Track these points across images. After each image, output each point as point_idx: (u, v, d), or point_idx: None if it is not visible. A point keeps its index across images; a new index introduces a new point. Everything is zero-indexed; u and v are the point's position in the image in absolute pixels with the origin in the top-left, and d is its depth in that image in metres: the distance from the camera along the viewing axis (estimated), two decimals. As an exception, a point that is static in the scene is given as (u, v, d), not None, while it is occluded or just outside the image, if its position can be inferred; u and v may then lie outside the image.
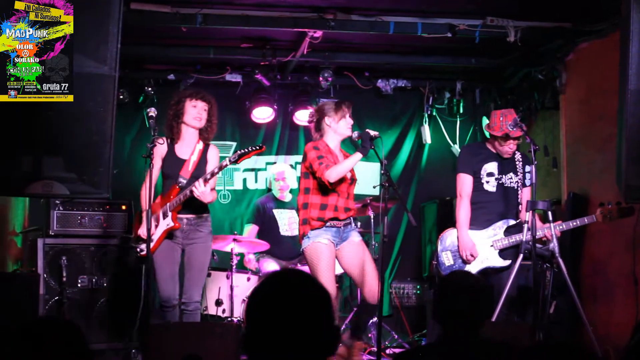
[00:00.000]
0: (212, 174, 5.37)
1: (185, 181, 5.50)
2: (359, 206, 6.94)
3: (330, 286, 5.41)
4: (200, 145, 5.65)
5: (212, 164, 5.61)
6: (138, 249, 5.59)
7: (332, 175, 5.35)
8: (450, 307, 3.19)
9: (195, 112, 5.59)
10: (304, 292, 2.03)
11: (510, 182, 5.79)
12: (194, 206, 5.52)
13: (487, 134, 6.07)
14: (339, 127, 5.59)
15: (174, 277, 5.56)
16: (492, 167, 5.80)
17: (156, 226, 5.49)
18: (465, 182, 5.82)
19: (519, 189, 5.80)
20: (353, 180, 5.67)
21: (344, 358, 5.59)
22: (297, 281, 2.06)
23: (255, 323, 2.01)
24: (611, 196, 5.71)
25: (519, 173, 5.81)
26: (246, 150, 5.31)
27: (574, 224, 5.65)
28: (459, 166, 5.93)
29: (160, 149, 5.55)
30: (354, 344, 5.62)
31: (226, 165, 5.31)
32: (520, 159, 5.85)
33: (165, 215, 5.50)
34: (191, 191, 5.36)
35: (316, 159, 5.42)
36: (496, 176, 5.78)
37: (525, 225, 5.34)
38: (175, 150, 5.62)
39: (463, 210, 5.77)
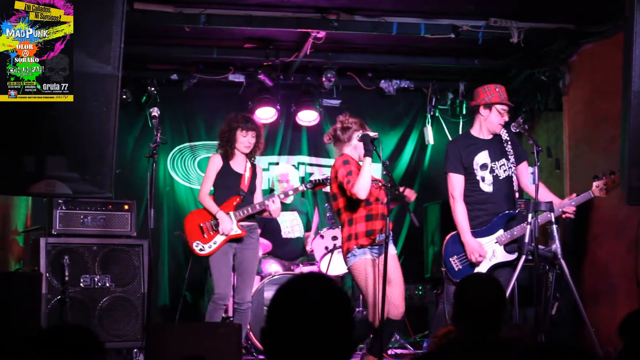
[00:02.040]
0: (286, 195, 6.25)
1: (245, 194, 6.07)
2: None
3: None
4: (249, 164, 6.16)
5: (259, 180, 6.24)
6: (198, 249, 6.02)
7: (360, 190, 5.19)
8: (475, 306, 3.25)
9: (246, 141, 6.07)
10: (328, 297, 2.04)
11: (505, 172, 5.68)
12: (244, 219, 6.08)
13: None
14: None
15: (229, 278, 6.08)
16: (483, 157, 5.68)
17: (215, 232, 6.00)
18: (456, 182, 5.69)
19: (513, 175, 5.71)
20: (381, 185, 5.39)
21: None
22: (322, 286, 2.06)
23: (275, 322, 2.03)
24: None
25: (510, 156, 5.70)
26: (321, 180, 6.26)
27: (576, 202, 5.58)
28: (447, 164, 5.75)
29: (217, 164, 6.09)
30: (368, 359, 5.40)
31: (302, 190, 6.38)
32: (508, 138, 5.73)
33: None
34: (262, 205, 6.01)
35: (345, 176, 5.28)
36: (490, 166, 5.66)
37: (528, 227, 5.30)
38: (230, 165, 6.10)
39: (460, 213, 5.64)
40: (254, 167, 6.19)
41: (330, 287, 2.07)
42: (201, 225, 6.02)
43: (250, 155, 6.16)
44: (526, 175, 5.81)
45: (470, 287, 3.42)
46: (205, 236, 5.99)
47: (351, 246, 5.34)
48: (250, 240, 6.10)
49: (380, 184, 5.40)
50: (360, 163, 5.36)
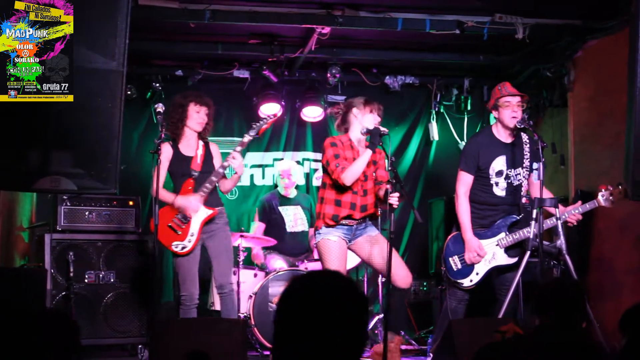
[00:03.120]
0: (242, 144, 5.75)
1: (197, 173, 5.75)
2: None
3: None
4: (201, 143, 5.89)
5: (217, 159, 5.91)
6: (180, 249, 5.69)
7: (347, 178, 5.39)
8: (563, 296, 3.33)
9: (199, 117, 5.83)
10: (343, 296, 2.02)
11: (519, 180, 5.67)
12: (208, 202, 5.75)
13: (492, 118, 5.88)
14: (364, 119, 5.57)
15: (196, 277, 5.78)
16: (500, 163, 5.64)
17: (186, 224, 5.70)
18: (465, 180, 5.67)
19: (524, 181, 5.70)
20: (367, 177, 5.59)
21: (380, 355, 5.47)
22: (337, 284, 2.05)
23: (286, 319, 2.02)
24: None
25: (525, 167, 5.68)
26: (263, 121, 5.87)
27: (581, 209, 5.54)
28: (462, 160, 5.73)
29: (167, 152, 5.75)
30: (394, 339, 5.42)
31: (247, 140, 5.78)
32: (528, 152, 5.68)
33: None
34: (220, 172, 5.68)
35: (333, 158, 5.47)
36: (505, 173, 5.64)
37: (533, 223, 5.29)
38: (180, 150, 5.83)
39: (464, 211, 5.63)
40: (207, 145, 5.90)
41: (345, 286, 2.05)
42: (169, 225, 5.69)
43: (201, 135, 5.87)
44: (533, 181, 5.76)
45: (551, 287, 3.52)
46: (179, 232, 5.68)
47: (319, 225, 5.57)
48: (214, 226, 5.77)
49: (379, 180, 5.46)
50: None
